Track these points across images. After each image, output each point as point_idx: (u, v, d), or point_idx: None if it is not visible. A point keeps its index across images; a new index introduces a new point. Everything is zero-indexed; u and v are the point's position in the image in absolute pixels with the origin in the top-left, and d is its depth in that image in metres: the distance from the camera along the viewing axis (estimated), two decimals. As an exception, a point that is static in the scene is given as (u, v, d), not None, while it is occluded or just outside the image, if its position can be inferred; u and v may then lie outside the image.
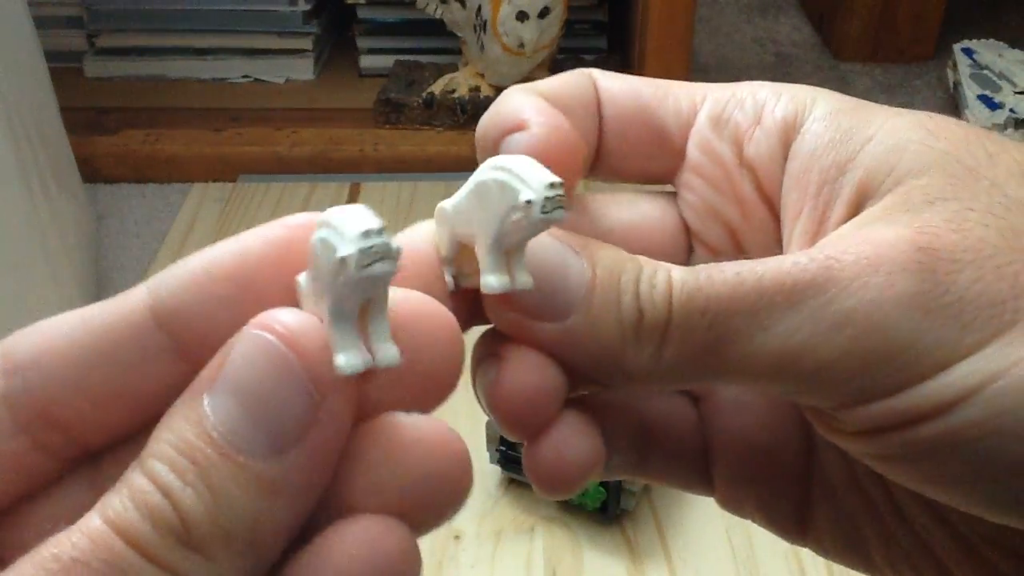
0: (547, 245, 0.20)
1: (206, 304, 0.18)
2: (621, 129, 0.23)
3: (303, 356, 0.17)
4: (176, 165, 0.98)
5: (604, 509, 0.58)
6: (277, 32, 1.09)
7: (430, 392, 0.19)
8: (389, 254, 0.17)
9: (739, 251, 0.23)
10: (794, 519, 0.24)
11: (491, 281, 0.19)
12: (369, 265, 0.16)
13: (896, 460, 0.19)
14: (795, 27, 1.32)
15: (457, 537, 0.59)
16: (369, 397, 0.18)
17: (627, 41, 1.08)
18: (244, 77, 1.11)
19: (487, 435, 0.61)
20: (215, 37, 1.09)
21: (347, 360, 0.17)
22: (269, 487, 0.16)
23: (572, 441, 0.21)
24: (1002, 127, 0.99)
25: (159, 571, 0.16)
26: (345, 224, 0.17)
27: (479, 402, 0.21)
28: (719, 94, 0.23)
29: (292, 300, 0.18)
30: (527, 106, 0.22)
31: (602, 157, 0.24)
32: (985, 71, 1.06)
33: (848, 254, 0.19)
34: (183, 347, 0.18)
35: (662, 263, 0.20)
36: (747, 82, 0.24)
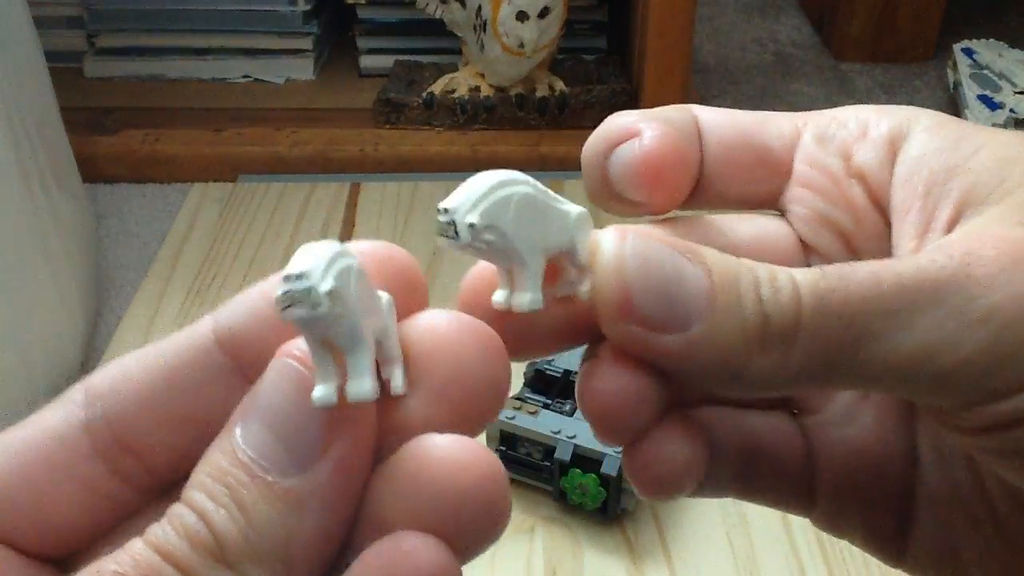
0: (661, 251, 0.19)
1: (261, 325, 0.19)
2: (724, 154, 0.24)
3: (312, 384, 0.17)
4: (176, 165, 0.98)
5: (604, 509, 0.58)
6: (277, 32, 1.09)
7: (471, 414, 0.19)
8: (305, 299, 0.16)
9: (854, 257, 0.23)
10: (895, 537, 0.24)
11: (531, 300, 0.19)
12: (285, 309, 0.17)
13: (1014, 456, 0.19)
14: (795, 27, 1.32)
15: (457, 537, 0.59)
16: (406, 419, 0.18)
17: (627, 41, 1.08)
18: (244, 77, 1.11)
19: (487, 435, 0.61)
20: (215, 37, 1.09)
21: (318, 393, 0.17)
22: (296, 503, 0.17)
23: (670, 448, 0.21)
24: (1002, 127, 0.99)
25: None
26: (288, 265, 0.17)
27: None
28: (820, 118, 0.24)
29: None
30: (638, 119, 0.22)
31: (704, 184, 0.24)
32: (985, 71, 1.06)
33: (987, 250, 0.19)
34: (243, 368, 0.19)
35: (775, 266, 0.20)
36: (847, 107, 0.24)
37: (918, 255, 0.20)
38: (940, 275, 0.19)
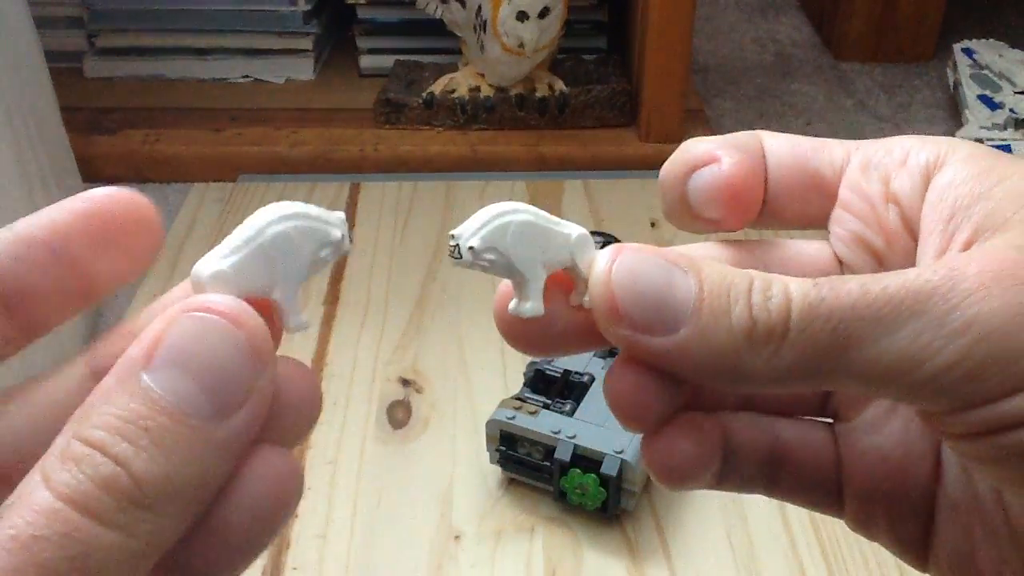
0: (652, 264, 0.21)
1: (24, 269, 0.21)
2: (783, 179, 0.26)
3: (251, 333, 0.19)
4: (176, 165, 0.98)
5: (604, 509, 0.58)
6: (277, 32, 1.09)
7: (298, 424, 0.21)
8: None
9: None
10: (920, 542, 0.25)
11: (531, 307, 0.23)
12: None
13: (999, 462, 0.20)
14: (795, 27, 1.32)
15: (457, 537, 0.59)
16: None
17: (627, 41, 1.08)
18: (244, 77, 1.11)
19: (487, 435, 0.61)
20: (215, 37, 1.09)
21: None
22: (220, 446, 0.18)
23: (680, 443, 0.24)
24: (1002, 127, 0.99)
25: (114, 533, 0.17)
26: (326, 216, 0.22)
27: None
28: (870, 147, 0.26)
29: (98, 268, 0.22)
30: (715, 145, 0.25)
31: (766, 205, 0.26)
32: (985, 71, 1.06)
33: (972, 266, 0.20)
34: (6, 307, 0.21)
35: (778, 276, 0.21)
36: (897, 137, 0.25)
37: (908, 270, 0.21)
38: (924, 287, 0.20)
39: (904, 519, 0.25)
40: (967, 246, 0.22)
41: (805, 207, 0.26)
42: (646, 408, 0.23)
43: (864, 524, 0.26)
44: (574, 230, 0.23)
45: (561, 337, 0.24)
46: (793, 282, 0.21)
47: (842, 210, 0.26)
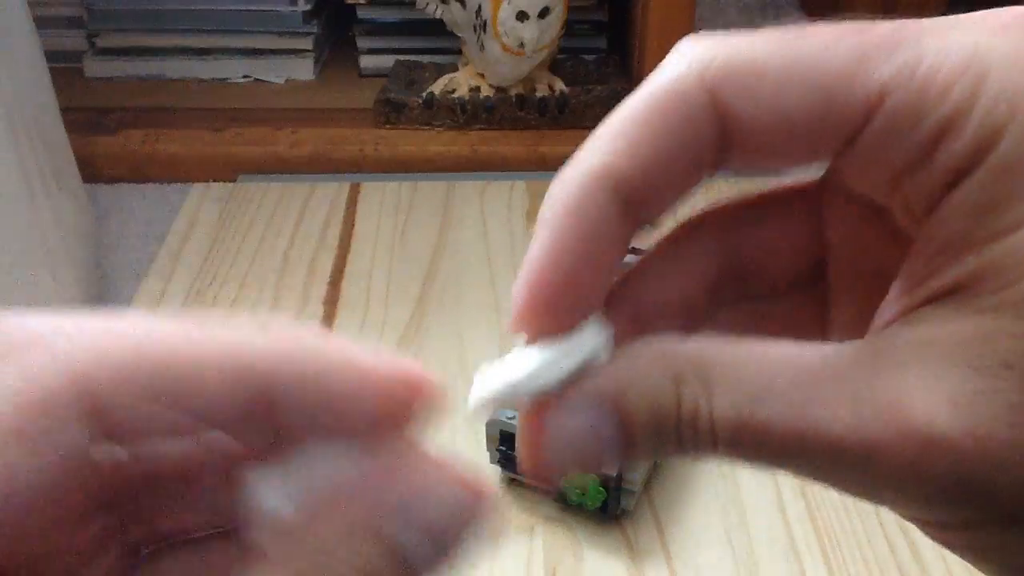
0: (577, 429, 0.21)
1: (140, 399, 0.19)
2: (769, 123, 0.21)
3: (485, 513, 0.20)
4: (176, 165, 0.98)
5: (604, 509, 0.58)
6: (277, 32, 1.09)
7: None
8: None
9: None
10: (817, 321, 0.25)
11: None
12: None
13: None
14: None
15: (457, 537, 0.59)
16: None
17: (627, 41, 1.08)
18: (244, 77, 1.11)
19: (487, 435, 0.61)
20: (215, 37, 1.09)
21: None
22: None
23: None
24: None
25: None
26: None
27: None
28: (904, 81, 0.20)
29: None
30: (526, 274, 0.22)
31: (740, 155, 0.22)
32: (985, 71, 1.06)
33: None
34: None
35: (702, 385, 0.20)
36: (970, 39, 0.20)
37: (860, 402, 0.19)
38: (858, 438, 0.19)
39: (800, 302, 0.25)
40: (935, 299, 0.20)
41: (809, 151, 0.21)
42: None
43: (850, 315, 0.24)
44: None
45: None
46: (719, 403, 0.20)
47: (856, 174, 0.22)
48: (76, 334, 0.19)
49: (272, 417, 0.20)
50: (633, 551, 0.59)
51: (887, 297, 0.21)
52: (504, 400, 0.22)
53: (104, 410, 0.18)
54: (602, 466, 0.21)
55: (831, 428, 0.19)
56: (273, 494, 0.19)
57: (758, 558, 0.58)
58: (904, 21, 0.21)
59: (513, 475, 0.62)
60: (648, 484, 0.61)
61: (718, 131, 0.21)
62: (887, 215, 0.22)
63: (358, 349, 0.20)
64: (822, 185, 0.24)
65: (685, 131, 0.21)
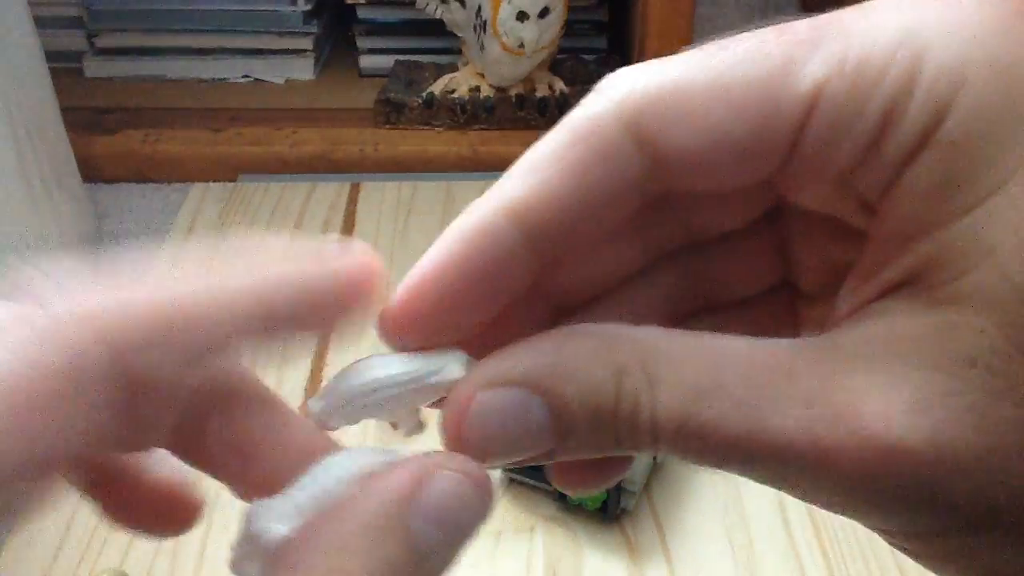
0: (505, 407, 0.20)
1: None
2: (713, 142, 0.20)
3: (492, 501, 0.20)
4: (176, 165, 0.98)
5: (604, 509, 0.58)
6: (277, 32, 1.09)
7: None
8: None
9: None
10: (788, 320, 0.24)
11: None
12: None
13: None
14: (795, 27, 1.32)
15: (457, 537, 0.59)
16: None
17: (627, 41, 1.08)
18: (244, 77, 1.11)
19: (487, 435, 0.61)
20: (215, 37, 1.09)
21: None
22: None
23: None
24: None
25: None
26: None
27: None
28: (854, 53, 0.19)
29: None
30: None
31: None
32: (985, 71, 1.06)
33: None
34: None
35: (646, 378, 0.19)
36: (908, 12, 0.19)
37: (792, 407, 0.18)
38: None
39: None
40: (889, 291, 0.19)
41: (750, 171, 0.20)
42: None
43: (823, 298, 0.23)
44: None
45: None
46: (662, 401, 0.19)
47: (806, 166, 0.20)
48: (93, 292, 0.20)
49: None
50: (633, 551, 0.59)
51: (842, 290, 0.20)
52: (343, 407, 0.21)
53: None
54: (532, 450, 0.20)
55: (781, 430, 0.18)
56: (268, 516, 0.19)
57: (758, 558, 0.58)
58: (825, 14, 0.20)
59: (513, 475, 0.62)
60: (648, 484, 0.61)
61: (647, 162, 0.20)
62: (847, 220, 0.21)
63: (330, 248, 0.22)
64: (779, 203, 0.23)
65: (600, 167, 0.20)
